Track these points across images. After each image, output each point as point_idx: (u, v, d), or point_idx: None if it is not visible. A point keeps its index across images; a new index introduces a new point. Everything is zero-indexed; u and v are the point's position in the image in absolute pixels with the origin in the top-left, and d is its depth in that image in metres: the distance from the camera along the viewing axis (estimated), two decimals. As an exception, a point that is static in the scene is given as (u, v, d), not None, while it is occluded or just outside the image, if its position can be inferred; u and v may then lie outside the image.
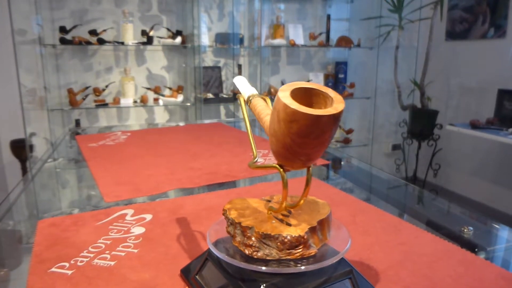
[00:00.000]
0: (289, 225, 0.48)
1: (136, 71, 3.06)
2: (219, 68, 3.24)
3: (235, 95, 3.23)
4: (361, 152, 3.60)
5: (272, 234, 0.46)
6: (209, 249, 0.52)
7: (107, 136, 1.43)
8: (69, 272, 0.58)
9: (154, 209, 0.79)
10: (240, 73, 3.28)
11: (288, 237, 0.45)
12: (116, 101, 2.94)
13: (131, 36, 2.87)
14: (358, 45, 3.27)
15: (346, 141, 3.44)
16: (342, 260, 0.50)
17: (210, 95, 3.18)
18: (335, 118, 0.41)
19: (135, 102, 2.99)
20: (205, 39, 3.12)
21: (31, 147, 2.78)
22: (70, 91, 2.82)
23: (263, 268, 0.45)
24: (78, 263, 0.60)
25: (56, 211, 0.88)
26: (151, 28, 2.94)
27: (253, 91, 0.57)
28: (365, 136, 3.57)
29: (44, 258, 0.62)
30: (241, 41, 3.21)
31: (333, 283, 0.48)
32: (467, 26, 3.03)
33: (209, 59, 3.24)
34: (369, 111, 3.47)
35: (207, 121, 2.65)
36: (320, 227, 0.49)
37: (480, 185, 3.16)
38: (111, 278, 0.56)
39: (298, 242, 0.46)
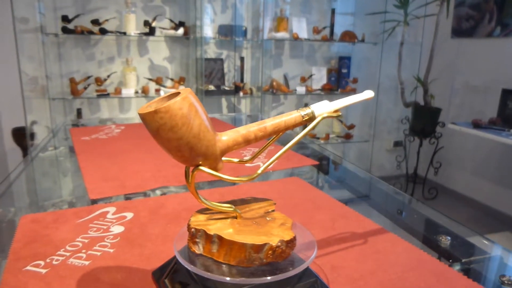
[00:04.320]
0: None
1: (138, 61, 3.06)
2: (221, 60, 3.23)
3: (236, 88, 3.22)
4: (362, 148, 3.59)
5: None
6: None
7: (101, 130, 1.44)
8: (44, 271, 0.59)
9: (135, 208, 0.80)
10: (242, 66, 3.27)
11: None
12: (118, 91, 2.94)
13: (133, 26, 2.87)
14: (362, 40, 3.24)
15: (348, 137, 3.42)
16: (307, 270, 0.50)
17: (211, 87, 3.18)
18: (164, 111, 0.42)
19: (136, 92, 2.99)
20: (208, 30, 3.10)
21: (32, 135, 2.81)
22: (72, 80, 2.83)
23: (227, 278, 0.45)
24: (54, 262, 0.61)
25: (44, 202, 0.90)
26: (154, 19, 2.93)
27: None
28: (366, 132, 3.55)
29: (21, 256, 0.63)
30: (244, 33, 3.19)
31: (297, 293, 0.49)
32: (473, 23, 2.99)
33: (211, 51, 3.22)
34: (372, 107, 3.45)
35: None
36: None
37: (481, 184, 3.14)
38: (83, 278, 0.57)
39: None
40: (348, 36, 3.23)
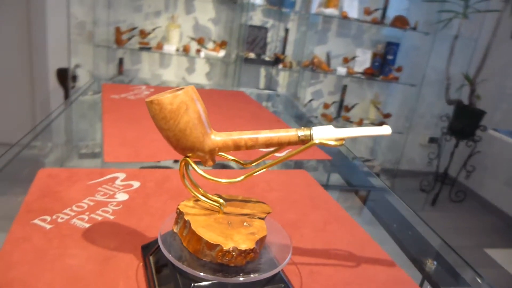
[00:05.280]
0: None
1: (183, 19, 3.07)
2: (265, 29, 3.19)
3: (277, 59, 3.19)
4: (395, 139, 3.50)
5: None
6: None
7: (131, 89, 1.48)
8: (48, 226, 0.65)
9: (143, 177, 0.85)
10: (286, 38, 3.21)
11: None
12: (159, 46, 2.99)
13: (183, -16, 2.86)
14: (414, 28, 3.08)
15: (382, 125, 3.34)
16: (278, 275, 0.53)
17: (252, 55, 3.16)
18: (156, 103, 0.48)
19: (177, 50, 3.02)
20: (257, -4, 3.04)
21: (75, 77, 2.93)
22: (117, 30, 2.89)
23: (201, 274, 0.48)
24: (59, 220, 0.67)
25: (79, 142, 0.97)
26: (204, -22, 2.91)
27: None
28: (402, 123, 3.45)
29: (32, 208, 0.69)
30: (293, 4, 3.11)
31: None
32: (539, 26, 2.77)
33: (257, 18, 3.18)
34: (412, 98, 3.33)
35: (242, 88, 2.66)
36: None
37: (512, 196, 3.02)
38: (80, 240, 0.62)
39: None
40: (400, 22, 3.08)
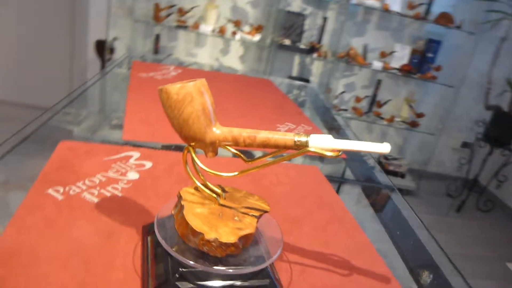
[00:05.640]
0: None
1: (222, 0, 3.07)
2: (303, 16, 3.14)
3: (312, 48, 3.15)
4: (426, 139, 3.41)
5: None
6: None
7: (159, 68, 1.51)
8: (60, 197, 0.69)
9: (156, 158, 0.87)
10: (323, 27, 3.15)
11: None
12: (196, 25, 3.01)
13: (224, -36, 2.85)
14: (459, 27, 2.95)
15: (413, 124, 3.26)
16: (265, 270, 0.54)
17: (287, 42, 3.13)
18: (165, 91, 0.50)
19: (213, 31, 3.04)
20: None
21: (112, 50, 3.00)
22: (156, 6, 2.93)
23: (191, 262, 0.50)
24: (71, 192, 0.70)
25: (111, 113, 1.02)
26: (246, -40, 2.88)
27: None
28: (435, 125, 3.35)
29: (48, 178, 0.73)
30: (334, -7, 3.04)
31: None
32: None
33: (296, 4, 3.13)
34: (449, 100, 3.21)
35: (274, 74, 2.64)
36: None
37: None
38: (86, 213, 0.66)
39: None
40: (445, 19, 2.96)
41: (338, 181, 1.07)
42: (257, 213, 0.54)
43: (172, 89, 0.51)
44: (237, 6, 3.11)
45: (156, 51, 3.11)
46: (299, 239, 0.70)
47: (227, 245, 0.48)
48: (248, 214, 0.53)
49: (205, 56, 3.23)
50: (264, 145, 0.49)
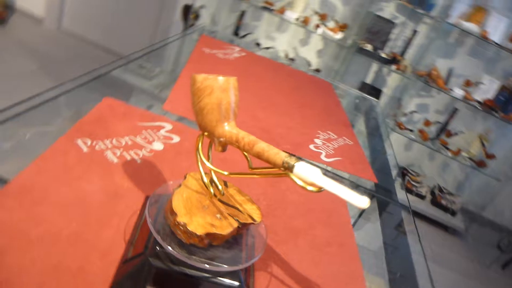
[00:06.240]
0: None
1: (313, -10, 3.02)
2: (393, 24, 3.00)
3: (394, 59, 3.01)
4: (489, 183, 3.15)
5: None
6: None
7: (224, 47, 1.54)
8: (85, 149, 0.74)
9: (185, 134, 0.90)
10: (411, 40, 2.99)
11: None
12: (282, 10, 3.00)
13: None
14: (563, 74, 2.65)
15: (481, 164, 3.03)
16: (237, 273, 0.55)
17: (368, 47, 3.02)
18: (193, 78, 0.54)
19: (297, 19, 3.01)
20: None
21: (197, 16, 3.10)
22: (247, -17, 2.96)
23: (169, 247, 0.53)
24: (96, 147, 0.76)
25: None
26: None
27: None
28: (504, 171, 3.08)
29: (81, 129, 0.79)
30: (431, 7, 2.86)
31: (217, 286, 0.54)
32: None
33: (388, 10, 3.00)
34: (528, 149, 2.93)
35: (342, 85, 2.58)
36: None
37: None
38: (102, 171, 0.70)
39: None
40: (548, 62, 2.67)
41: (353, 185, 1.04)
42: (241, 220, 0.54)
43: (198, 77, 0.54)
44: (327, 0, 3.04)
45: (237, 27, 3.16)
46: (291, 252, 0.70)
47: (192, 234, 0.50)
48: (232, 218, 0.54)
49: (284, 42, 3.23)
50: (258, 156, 0.50)
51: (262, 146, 0.49)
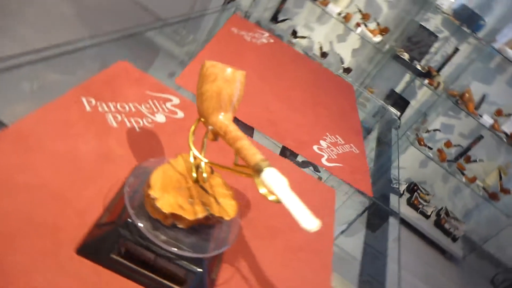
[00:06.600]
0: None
1: (362, -12, 2.94)
2: (435, 38, 2.90)
3: (428, 73, 2.93)
4: (498, 218, 3.07)
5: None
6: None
7: (254, 30, 1.52)
8: (88, 109, 0.76)
9: (190, 110, 0.91)
10: (450, 57, 2.89)
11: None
12: (325, 3, 2.94)
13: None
14: None
15: (493, 196, 2.95)
16: (201, 261, 0.56)
17: (405, 55, 2.94)
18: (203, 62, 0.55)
19: (339, 14, 2.95)
20: (445, 1, 2.75)
21: (239, -7, 3.07)
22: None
23: (134, 217, 0.54)
24: (99, 108, 0.77)
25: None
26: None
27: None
28: (516, 208, 3.00)
29: (90, 87, 0.81)
30: (479, 28, 2.75)
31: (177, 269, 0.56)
32: None
33: (433, 22, 2.90)
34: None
35: (377, 80, 2.53)
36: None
37: None
38: (99, 133, 0.72)
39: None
40: None
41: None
42: (211, 212, 0.55)
43: (207, 63, 0.55)
44: (374, 0, 2.96)
45: (277, 10, 3.11)
46: (265, 250, 0.71)
47: (157, 209, 0.51)
48: (204, 207, 0.55)
49: (320, 34, 3.17)
50: (237, 151, 0.50)
51: (244, 143, 0.50)
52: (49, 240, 0.53)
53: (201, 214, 0.53)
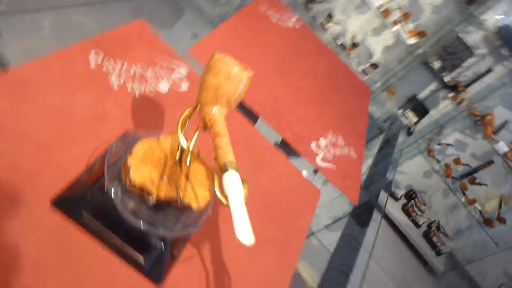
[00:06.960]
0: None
1: (409, -14, 2.83)
2: (470, 53, 2.80)
3: (454, 86, 2.85)
4: (487, 244, 3.06)
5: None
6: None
7: (283, 12, 1.47)
8: (93, 64, 0.77)
9: (195, 86, 0.91)
10: (481, 76, 2.81)
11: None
12: (368, -6, 2.85)
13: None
14: None
15: (488, 222, 2.93)
16: (166, 241, 0.59)
17: (436, 64, 2.87)
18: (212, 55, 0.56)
19: (378, 8, 2.86)
20: (492, 18, 2.64)
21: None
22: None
23: (108, 183, 0.56)
24: (104, 67, 0.78)
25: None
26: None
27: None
28: (507, 240, 2.98)
29: (101, 42, 0.81)
30: (518, 52, 2.64)
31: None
32: None
33: (472, 37, 2.80)
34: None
35: (401, 82, 2.46)
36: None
37: None
38: (98, 91, 0.74)
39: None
40: None
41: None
42: (180, 196, 0.57)
43: (216, 55, 0.57)
44: (418, 1, 2.85)
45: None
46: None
47: (129, 178, 0.54)
48: (175, 189, 0.57)
49: (355, 24, 3.09)
50: (214, 147, 0.52)
51: (222, 141, 0.51)
52: (28, 187, 0.56)
53: (168, 193, 0.55)
